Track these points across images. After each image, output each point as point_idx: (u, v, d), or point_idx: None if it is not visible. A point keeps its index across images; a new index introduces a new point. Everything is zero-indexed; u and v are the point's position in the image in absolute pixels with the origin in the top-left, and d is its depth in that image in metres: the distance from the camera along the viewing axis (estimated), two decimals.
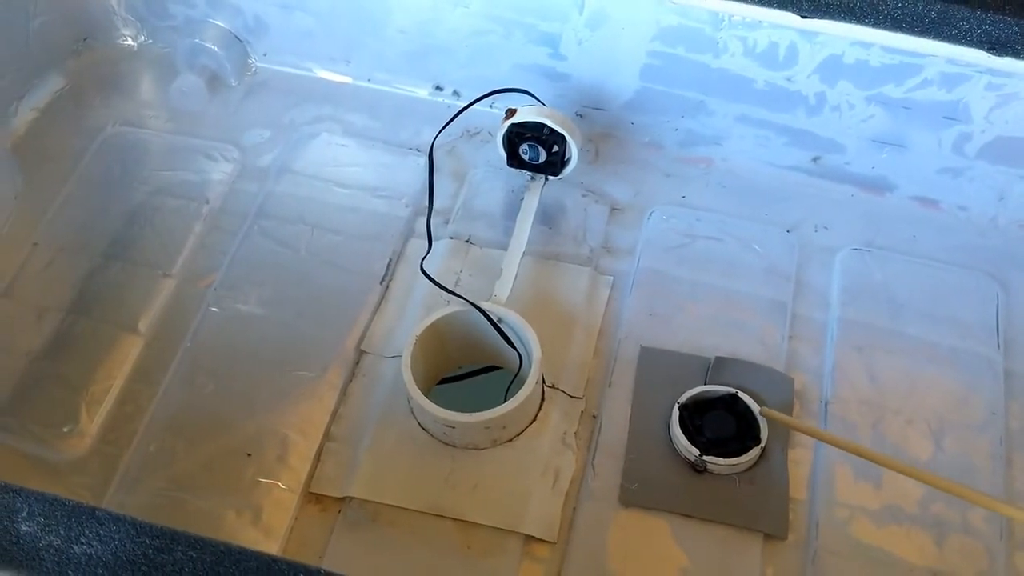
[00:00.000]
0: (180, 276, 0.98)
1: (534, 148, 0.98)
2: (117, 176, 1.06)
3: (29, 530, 0.57)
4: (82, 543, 0.56)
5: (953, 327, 0.94)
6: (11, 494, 0.58)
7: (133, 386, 0.91)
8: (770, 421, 0.86)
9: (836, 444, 0.83)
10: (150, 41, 1.16)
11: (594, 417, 0.90)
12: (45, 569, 0.55)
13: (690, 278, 0.98)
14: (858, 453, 0.79)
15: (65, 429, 0.88)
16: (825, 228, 1.02)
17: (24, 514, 0.57)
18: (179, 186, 1.05)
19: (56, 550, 0.56)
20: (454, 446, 0.87)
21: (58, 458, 0.87)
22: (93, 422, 0.88)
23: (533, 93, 1.01)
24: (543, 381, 0.89)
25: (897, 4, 0.88)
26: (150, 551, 0.56)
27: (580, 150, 0.98)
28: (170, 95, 1.12)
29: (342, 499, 0.85)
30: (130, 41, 1.16)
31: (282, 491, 0.84)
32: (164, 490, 0.85)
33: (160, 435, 0.87)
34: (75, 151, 1.07)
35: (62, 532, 0.57)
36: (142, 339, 0.94)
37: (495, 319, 0.89)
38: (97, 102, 1.12)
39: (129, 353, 0.93)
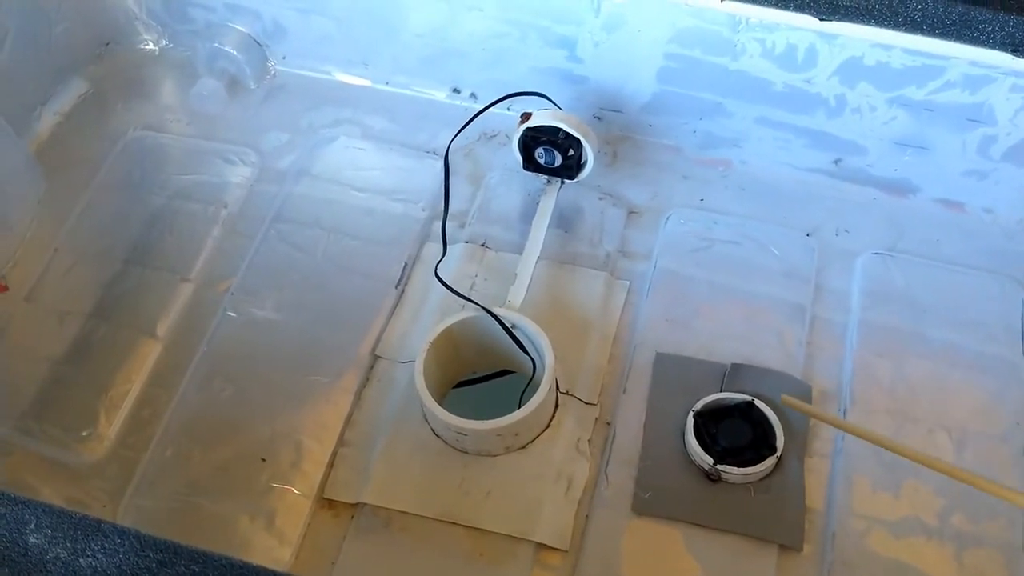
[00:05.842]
0: (198, 281, 0.99)
1: (549, 152, 0.97)
2: (137, 180, 1.07)
3: (37, 542, 0.58)
4: (88, 556, 0.57)
5: (977, 332, 0.93)
6: (19, 506, 0.59)
7: (151, 390, 0.92)
8: (787, 426, 0.85)
9: (859, 434, 0.81)
10: (171, 45, 1.17)
11: (608, 424, 0.89)
12: None
13: (707, 282, 0.97)
14: (880, 443, 0.77)
15: (84, 433, 0.89)
16: (846, 231, 1.00)
17: (32, 526, 0.58)
18: (198, 190, 1.05)
19: (63, 563, 0.57)
20: (467, 453, 0.87)
21: (77, 462, 0.88)
22: (111, 426, 0.90)
23: (549, 96, 1.01)
24: (557, 387, 0.89)
25: (917, 6, 0.86)
26: (154, 564, 0.56)
27: (597, 153, 0.97)
28: (190, 99, 1.13)
29: (355, 505, 0.85)
30: (151, 46, 1.18)
31: (296, 496, 0.85)
32: (180, 494, 0.85)
33: (177, 439, 0.88)
34: (97, 156, 1.09)
35: (69, 545, 0.57)
36: (160, 343, 0.94)
37: (509, 325, 0.88)
38: (119, 107, 1.13)
39: (147, 357, 0.94)
